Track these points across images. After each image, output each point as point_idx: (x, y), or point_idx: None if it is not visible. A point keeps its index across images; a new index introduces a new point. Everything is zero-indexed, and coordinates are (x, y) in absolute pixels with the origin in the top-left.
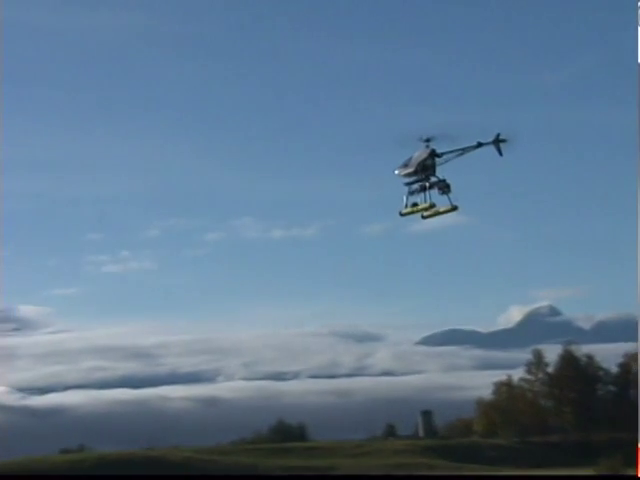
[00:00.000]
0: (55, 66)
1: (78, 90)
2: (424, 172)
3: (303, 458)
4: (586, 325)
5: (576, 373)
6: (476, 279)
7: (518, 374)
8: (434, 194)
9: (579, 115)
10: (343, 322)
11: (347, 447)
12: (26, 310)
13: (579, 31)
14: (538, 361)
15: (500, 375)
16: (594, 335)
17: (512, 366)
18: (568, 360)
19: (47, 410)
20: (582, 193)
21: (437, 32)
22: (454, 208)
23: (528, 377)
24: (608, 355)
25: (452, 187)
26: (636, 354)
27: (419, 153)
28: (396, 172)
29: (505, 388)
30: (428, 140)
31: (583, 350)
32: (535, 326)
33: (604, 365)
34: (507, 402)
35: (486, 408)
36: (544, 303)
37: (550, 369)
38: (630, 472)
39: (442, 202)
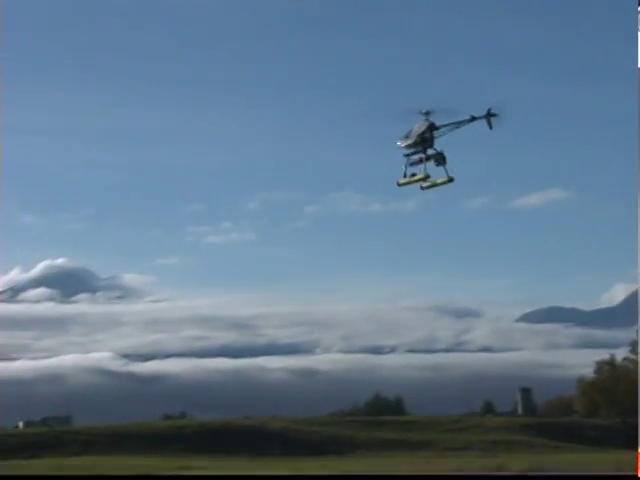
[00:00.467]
0: (156, 41)
1: (180, 65)
2: (423, 144)
3: (400, 432)
4: None
5: None
6: (580, 256)
7: (621, 354)
8: (441, 169)
9: None
10: (442, 297)
11: (444, 422)
12: (130, 279)
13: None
14: None
15: (602, 354)
16: None
17: (614, 345)
18: None
19: (150, 376)
20: None
21: None
22: (450, 180)
23: (632, 357)
24: None
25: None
26: None
27: (419, 125)
28: (398, 143)
29: (607, 367)
30: (427, 113)
31: None
32: None
33: None
34: (609, 382)
35: (587, 387)
36: None
37: None
38: None
39: (438, 173)
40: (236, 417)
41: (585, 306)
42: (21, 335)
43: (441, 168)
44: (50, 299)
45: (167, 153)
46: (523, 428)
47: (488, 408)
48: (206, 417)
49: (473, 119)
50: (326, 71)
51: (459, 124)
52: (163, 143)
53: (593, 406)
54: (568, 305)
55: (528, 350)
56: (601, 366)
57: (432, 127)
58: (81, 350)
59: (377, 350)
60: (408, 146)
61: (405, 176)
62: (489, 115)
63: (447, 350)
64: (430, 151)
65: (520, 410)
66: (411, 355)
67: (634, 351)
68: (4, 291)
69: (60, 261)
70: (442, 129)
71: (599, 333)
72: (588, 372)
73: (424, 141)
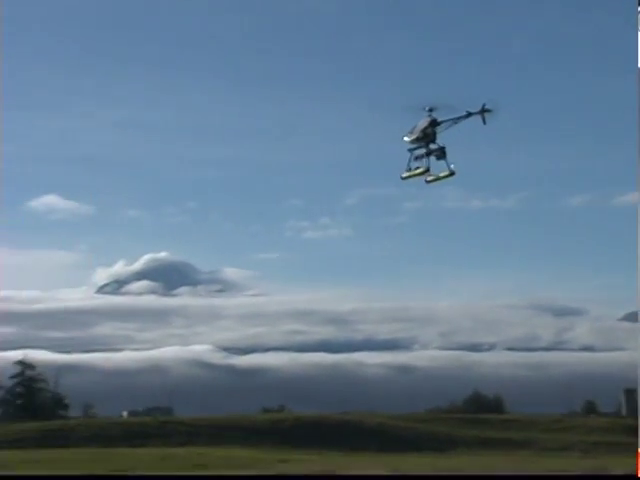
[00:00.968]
0: (252, 39)
1: (281, 59)
2: (425, 139)
3: (499, 430)
4: None
5: None
6: None
7: None
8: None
9: None
10: (542, 295)
11: (544, 421)
12: (231, 272)
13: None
14: None
15: None
16: None
17: None
18: None
19: (249, 370)
20: None
21: None
22: (451, 173)
23: None
24: None
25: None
26: None
27: (422, 121)
28: (405, 138)
29: None
30: (431, 110)
31: None
32: None
33: None
34: None
35: None
36: None
37: None
38: None
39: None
40: (333, 412)
41: None
42: (125, 327)
43: (442, 162)
44: (152, 292)
45: (268, 149)
46: (626, 429)
47: (590, 408)
48: (303, 411)
49: (469, 115)
50: (427, 68)
51: (457, 120)
52: (264, 139)
53: None
54: None
55: (632, 350)
56: None
57: (434, 123)
58: (182, 342)
59: (476, 347)
60: (412, 141)
61: (410, 170)
62: (483, 111)
63: (547, 349)
64: (432, 146)
65: (624, 411)
66: (510, 353)
67: None
68: (109, 283)
69: (162, 255)
70: (443, 124)
71: None
72: None
73: (426, 136)
